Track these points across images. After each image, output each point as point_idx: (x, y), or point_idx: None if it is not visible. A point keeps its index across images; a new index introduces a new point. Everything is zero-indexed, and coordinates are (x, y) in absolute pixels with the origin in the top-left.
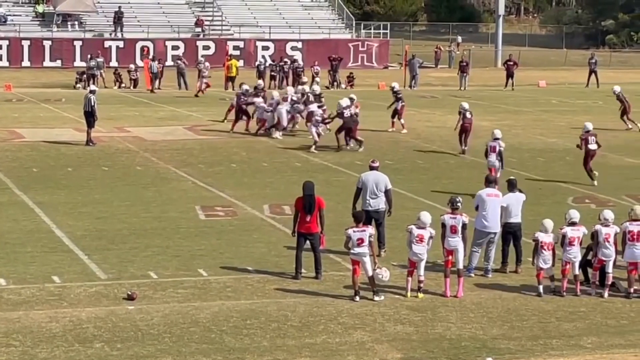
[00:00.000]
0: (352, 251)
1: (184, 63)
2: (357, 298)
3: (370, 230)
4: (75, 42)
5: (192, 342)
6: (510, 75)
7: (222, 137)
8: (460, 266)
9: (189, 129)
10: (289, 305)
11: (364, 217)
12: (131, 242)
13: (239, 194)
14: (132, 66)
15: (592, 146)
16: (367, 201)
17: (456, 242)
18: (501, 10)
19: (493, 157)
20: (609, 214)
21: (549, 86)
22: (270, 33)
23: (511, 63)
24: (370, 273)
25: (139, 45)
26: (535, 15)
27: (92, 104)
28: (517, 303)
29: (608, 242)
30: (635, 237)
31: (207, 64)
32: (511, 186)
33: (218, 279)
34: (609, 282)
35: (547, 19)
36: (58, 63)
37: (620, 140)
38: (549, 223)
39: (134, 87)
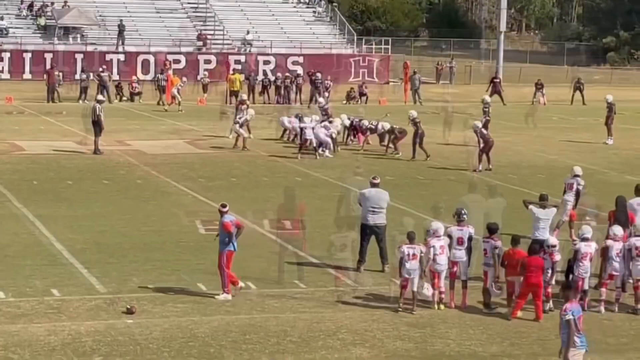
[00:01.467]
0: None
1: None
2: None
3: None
4: (77, 55)
5: (190, 356)
6: (496, 91)
7: (222, 152)
8: (464, 278)
9: (190, 142)
10: (288, 320)
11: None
12: (131, 256)
13: (239, 208)
14: (134, 78)
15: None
16: (367, 216)
17: (462, 253)
18: (502, 27)
19: None
20: (618, 230)
21: (549, 103)
22: (271, 48)
23: (497, 80)
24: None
25: (140, 58)
26: (536, 32)
27: (98, 112)
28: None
29: (619, 257)
30: None
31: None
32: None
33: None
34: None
35: (549, 36)
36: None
37: (621, 157)
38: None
39: (134, 100)
